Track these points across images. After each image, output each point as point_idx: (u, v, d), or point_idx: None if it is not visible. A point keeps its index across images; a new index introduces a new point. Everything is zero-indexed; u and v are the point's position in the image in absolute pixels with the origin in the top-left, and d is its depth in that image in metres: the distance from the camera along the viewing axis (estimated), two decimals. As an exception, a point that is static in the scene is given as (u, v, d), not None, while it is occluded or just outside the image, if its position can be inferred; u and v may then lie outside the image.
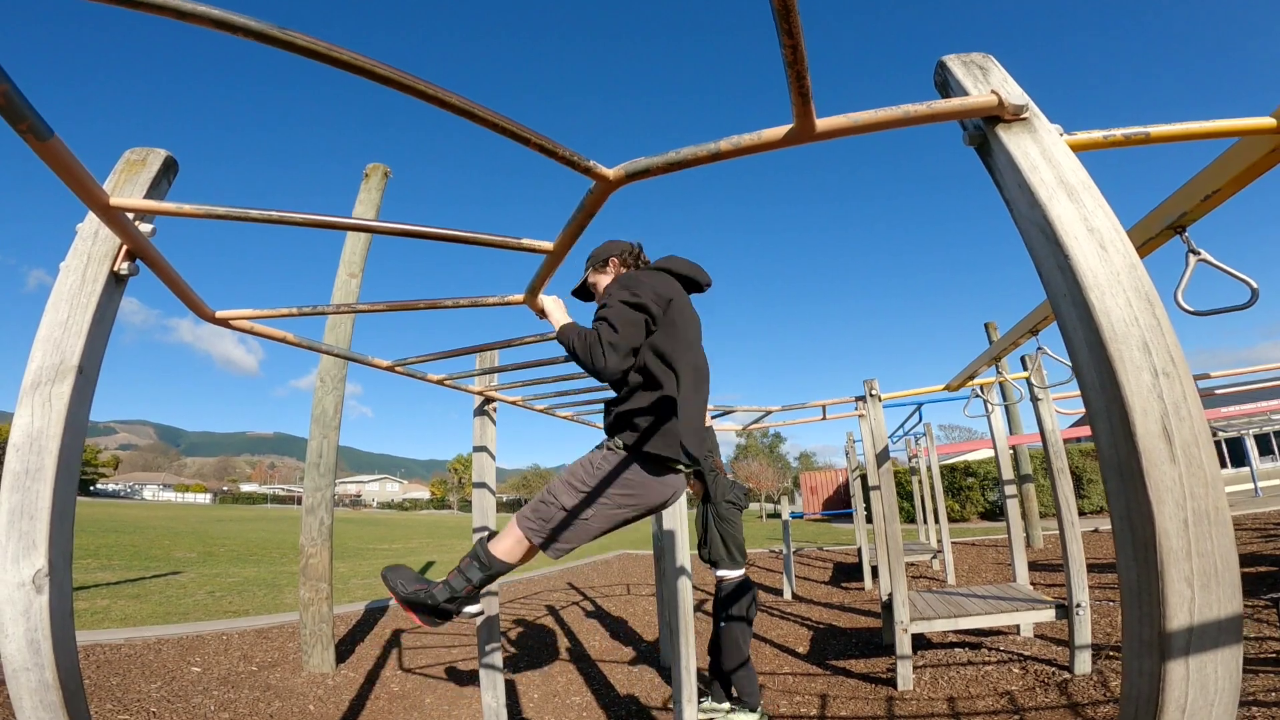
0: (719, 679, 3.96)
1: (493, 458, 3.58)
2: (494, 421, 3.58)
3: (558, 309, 2.02)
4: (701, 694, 4.00)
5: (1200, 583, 0.87)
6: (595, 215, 1.25)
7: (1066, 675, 4.02)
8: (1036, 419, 4.32)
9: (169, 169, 1.38)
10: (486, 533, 2.02)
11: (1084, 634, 4.02)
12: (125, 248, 1.27)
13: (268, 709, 3.94)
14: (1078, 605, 4.03)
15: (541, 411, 3.98)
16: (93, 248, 1.27)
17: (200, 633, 5.50)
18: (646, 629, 6.77)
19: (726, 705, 3.91)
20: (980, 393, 4.60)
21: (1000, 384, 4.63)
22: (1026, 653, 4.63)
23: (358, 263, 5.24)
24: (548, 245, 1.41)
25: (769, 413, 5.30)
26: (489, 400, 3.52)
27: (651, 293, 1.97)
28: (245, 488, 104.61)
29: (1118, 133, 1.18)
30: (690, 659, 3.01)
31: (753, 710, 3.87)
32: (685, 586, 3.00)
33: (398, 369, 2.56)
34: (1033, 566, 7.47)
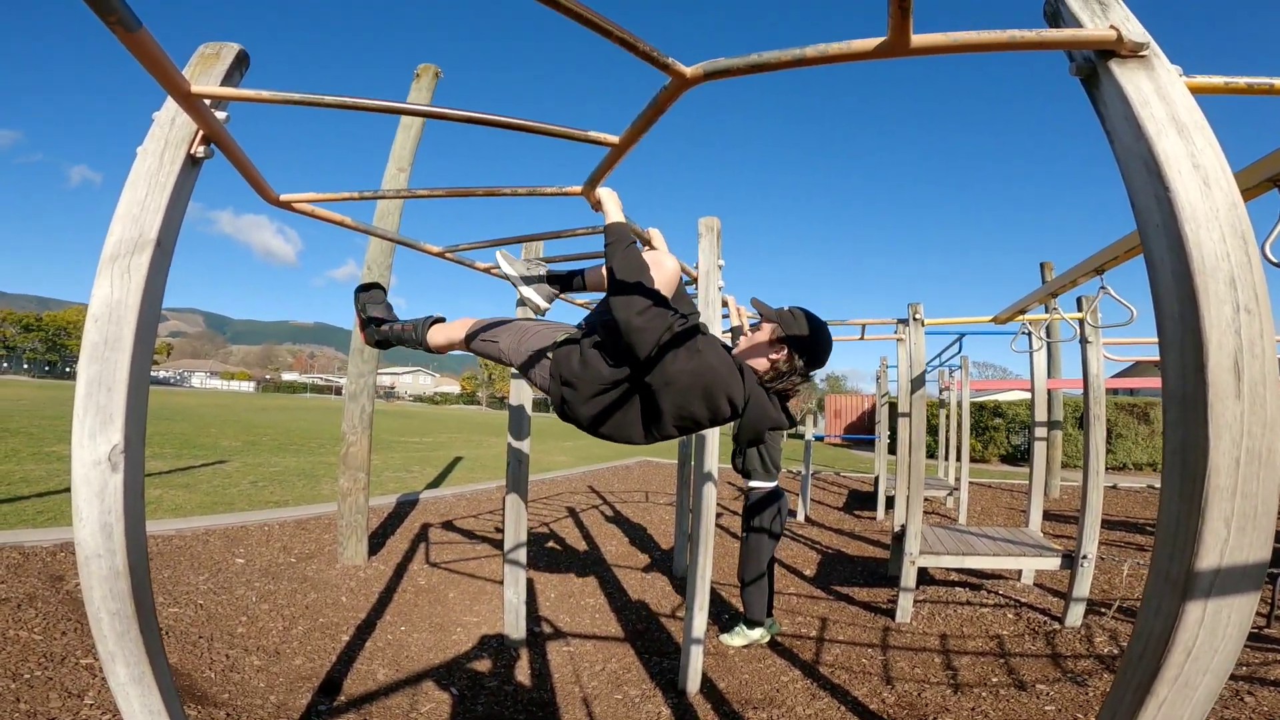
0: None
1: None
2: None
3: (613, 202, 1.92)
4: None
5: (1238, 524, 0.90)
6: (665, 112, 1.26)
7: (1056, 626, 4.16)
8: (1082, 361, 4.23)
9: (241, 62, 1.40)
10: (432, 319, 2.28)
11: (1083, 587, 4.11)
12: (201, 133, 1.30)
13: (304, 600, 4.22)
14: (1084, 556, 4.09)
15: (581, 306, 4.09)
16: (170, 133, 1.31)
17: (244, 523, 5.88)
18: (662, 538, 7.07)
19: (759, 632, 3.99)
20: (1029, 328, 4.50)
21: (1050, 322, 4.51)
22: (1024, 599, 4.78)
23: (406, 158, 5.31)
24: (613, 139, 1.41)
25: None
26: None
27: (720, 390, 1.73)
28: (286, 376, 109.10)
29: (1241, 81, 1.19)
30: (707, 568, 3.17)
31: (751, 626, 3.98)
32: (710, 493, 3.10)
33: (448, 255, 2.63)
34: (1045, 516, 7.56)
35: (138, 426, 1.30)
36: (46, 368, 74.40)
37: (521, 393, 3.75)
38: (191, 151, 1.30)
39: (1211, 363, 0.92)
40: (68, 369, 75.92)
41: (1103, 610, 4.36)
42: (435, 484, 9.56)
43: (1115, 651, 3.70)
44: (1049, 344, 7.19)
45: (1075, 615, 4.13)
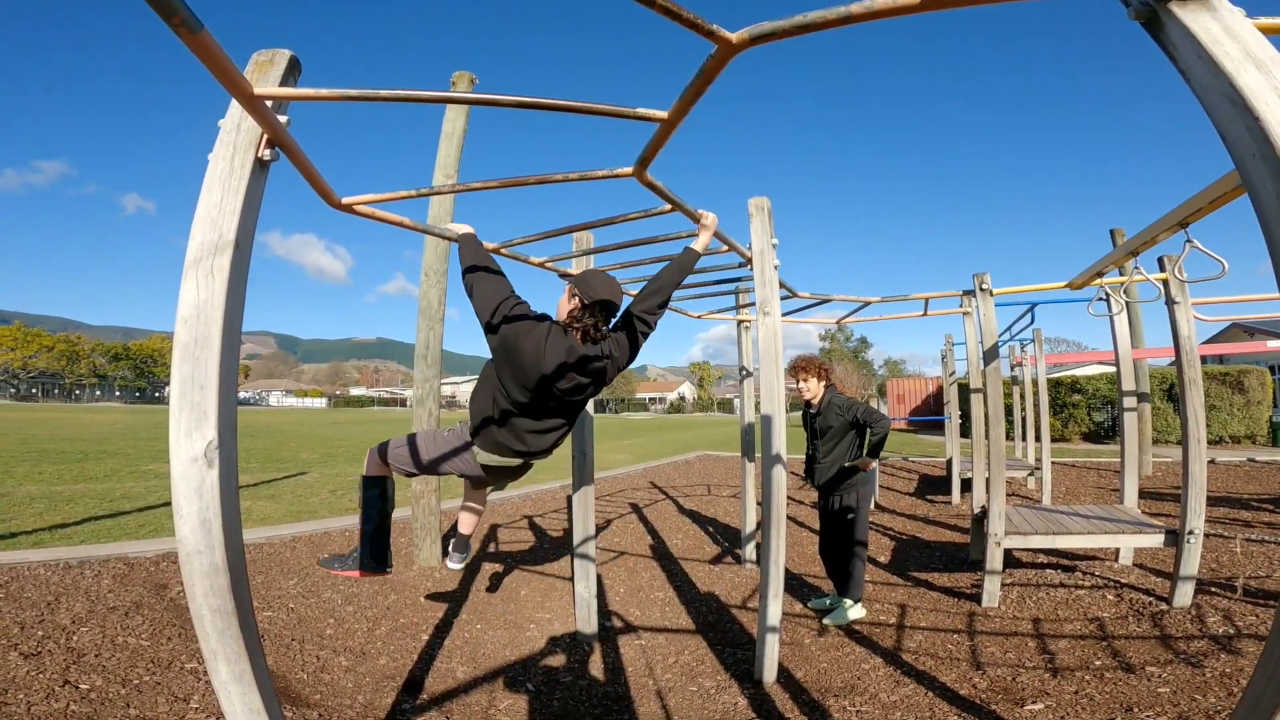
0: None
1: None
2: None
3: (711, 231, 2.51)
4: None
5: None
6: (714, 81, 1.23)
7: (1163, 607, 3.88)
8: (1171, 325, 3.94)
9: (294, 68, 1.45)
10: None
11: (1191, 564, 3.82)
12: (266, 136, 1.35)
13: (385, 602, 4.36)
14: (1190, 532, 3.81)
15: (635, 296, 4.11)
16: (237, 138, 1.36)
17: (327, 529, 6.13)
18: (726, 530, 7.01)
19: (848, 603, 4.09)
20: (1109, 293, 4.22)
21: (1129, 284, 4.23)
22: (1123, 580, 4.48)
23: (452, 165, 5.43)
24: (662, 114, 1.39)
25: (867, 304, 5.08)
26: None
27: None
28: (354, 391, 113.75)
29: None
30: (780, 553, 3.10)
31: (856, 601, 4.07)
32: (780, 476, 3.03)
33: (503, 251, 2.66)
34: (1139, 494, 7.13)
35: (229, 423, 1.35)
36: (136, 394, 79.76)
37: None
38: (259, 155, 1.35)
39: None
40: (156, 394, 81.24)
41: (1214, 590, 4.05)
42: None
43: (1231, 631, 3.43)
44: (1130, 309, 6.75)
45: (1184, 595, 3.84)
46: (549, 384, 2.28)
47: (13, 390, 68.25)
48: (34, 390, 70.14)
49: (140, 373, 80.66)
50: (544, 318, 2.36)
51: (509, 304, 2.26)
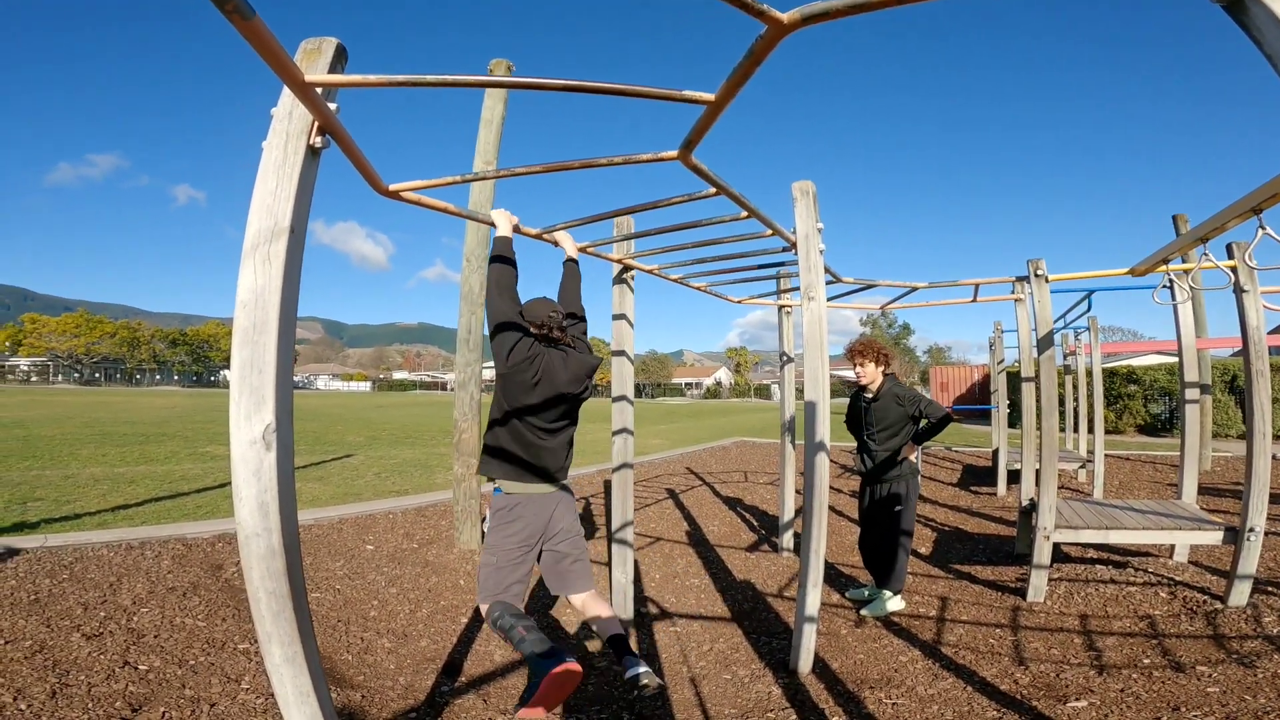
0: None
1: (631, 325, 3.76)
2: (632, 290, 3.75)
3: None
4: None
5: None
6: (763, 63, 1.20)
7: (1218, 606, 3.72)
8: (1239, 314, 3.74)
9: (340, 55, 1.47)
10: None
11: (1250, 563, 3.65)
12: (316, 124, 1.37)
13: (426, 584, 4.46)
14: (1250, 529, 3.64)
15: (675, 281, 4.10)
16: (289, 126, 1.39)
17: (371, 512, 6.30)
18: (764, 517, 6.98)
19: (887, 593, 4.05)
20: (1173, 280, 4.02)
21: (1195, 272, 4.02)
22: (1177, 577, 4.30)
23: (491, 152, 5.48)
24: (709, 96, 1.37)
25: (914, 289, 4.94)
26: (627, 269, 3.65)
27: None
28: (397, 375, 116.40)
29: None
30: (821, 541, 3.07)
31: (896, 593, 4.03)
32: (822, 464, 2.98)
33: (544, 237, 2.68)
34: (1199, 489, 6.83)
35: (285, 407, 1.38)
36: (193, 378, 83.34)
37: (624, 379, 3.76)
38: (310, 142, 1.38)
39: None
40: (211, 378, 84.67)
41: (1272, 590, 3.87)
42: (538, 470, 9.88)
43: (1291, 633, 3.27)
44: (1194, 298, 6.42)
45: (1240, 593, 3.68)
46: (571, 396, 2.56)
47: (77, 375, 72.04)
48: (97, 375, 73.89)
49: (196, 357, 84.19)
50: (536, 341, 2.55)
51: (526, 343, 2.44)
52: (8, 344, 71.89)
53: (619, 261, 3.63)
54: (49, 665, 2.82)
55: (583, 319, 2.81)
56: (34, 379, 68.51)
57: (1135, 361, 19.05)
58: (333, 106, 1.39)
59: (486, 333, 2.43)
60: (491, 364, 2.49)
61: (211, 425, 16.55)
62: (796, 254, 3.08)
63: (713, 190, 2.22)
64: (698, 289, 4.48)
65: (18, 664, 2.80)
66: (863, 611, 3.97)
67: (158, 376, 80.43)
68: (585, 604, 2.59)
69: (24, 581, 3.79)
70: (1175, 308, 4.59)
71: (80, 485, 7.18)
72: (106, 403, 28.59)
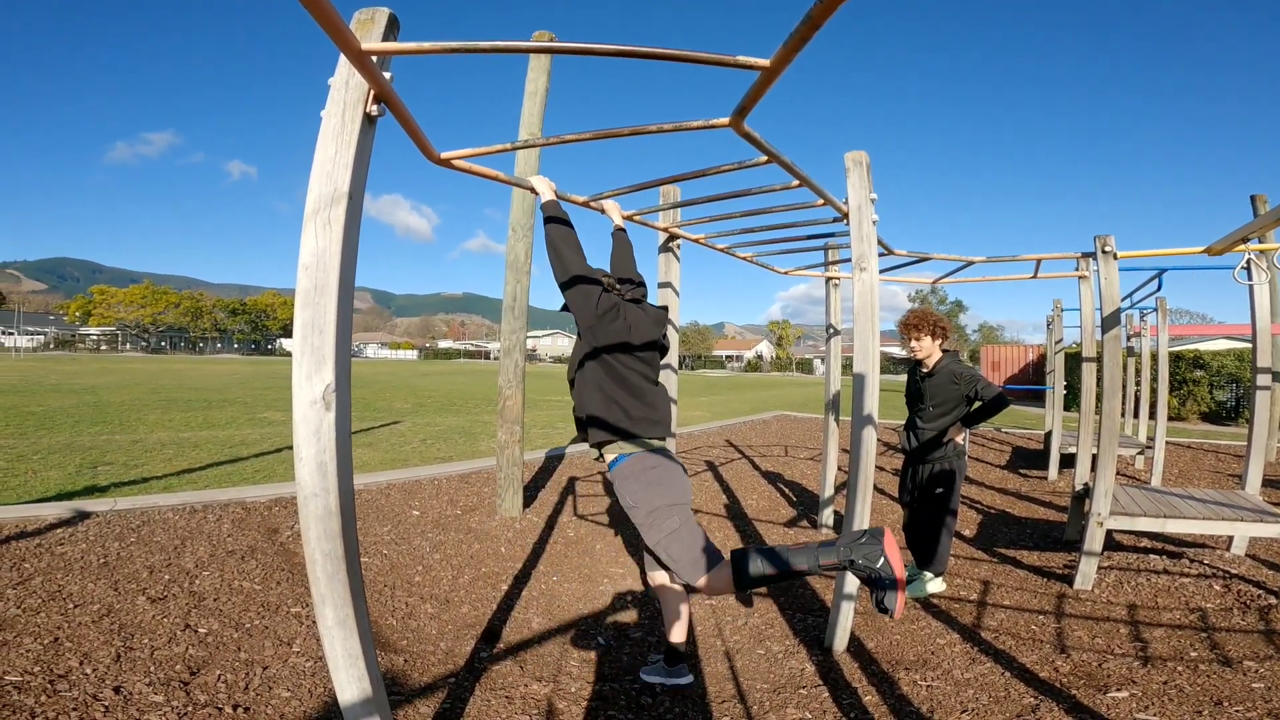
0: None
1: (677, 294, 3.78)
2: (678, 258, 3.74)
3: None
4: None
5: None
6: (821, 28, 1.15)
7: (1272, 601, 3.57)
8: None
9: (393, 25, 1.48)
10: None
11: (1310, 557, 3.47)
12: (373, 92, 1.40)
13: (469, 550, 4.56)
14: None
15: (722, 250, 4.07)
16: (346, 95, 1.42)
17: (417, 478, 6.46)
18: (803, 492, 6.93)
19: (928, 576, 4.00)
20: (1253, 260, 3.78)
21: (1277, 252, 3.77)
22: (1234, 570, 4.12)
23: (535, 123, 5.48)
24: (764, 61, 1.33)
25: (970, 263, 4.76)
26: (673, 238, 3.63)
27: None
28: (442, 344, 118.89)
29: None
30: (865, 518, 3.03)
31: (937, 575, 3.97)
32: (869, 437, 2.93)
33: (592, 205, 2.68)
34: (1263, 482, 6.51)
35: (344, 369, 1.42)
36: (252, 345, 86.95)
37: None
38: (367, 110, 1.40)
39: None
40: (269, 345, 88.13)
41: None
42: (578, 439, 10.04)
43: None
44: (1274, 279, 6.03)
45: (1301, 589, 3.52)
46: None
47: (144, 344, 75.96)
48: (163, 344, 77.82)
49: (255, 326, 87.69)
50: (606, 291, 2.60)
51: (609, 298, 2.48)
52: (78, 314, 76.14)
53: (665, 230, 3.62)
54: (115, 629, 2.92)
55: (641, 284, 2.83)
56: (104, 347, 72.38)
57: (1203, 346, 18.08)
58: (387, 75, 1.41)
59: (560, 289, 2.45)
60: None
61: (269, 391, 17.28)
62: (848, 224, 3.01)
63: (764, 159, 2.17)
64: (744, 259, 4.42)
65: (85, 628, 2.90)
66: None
67: (219, 345, 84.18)
68: (666, 584, 2.76)
69: (94, 545, 3.97)
70: (1251, 290, 4.33)
71: (147, 449, 7.58)
72: (172, 370, 30.11)
